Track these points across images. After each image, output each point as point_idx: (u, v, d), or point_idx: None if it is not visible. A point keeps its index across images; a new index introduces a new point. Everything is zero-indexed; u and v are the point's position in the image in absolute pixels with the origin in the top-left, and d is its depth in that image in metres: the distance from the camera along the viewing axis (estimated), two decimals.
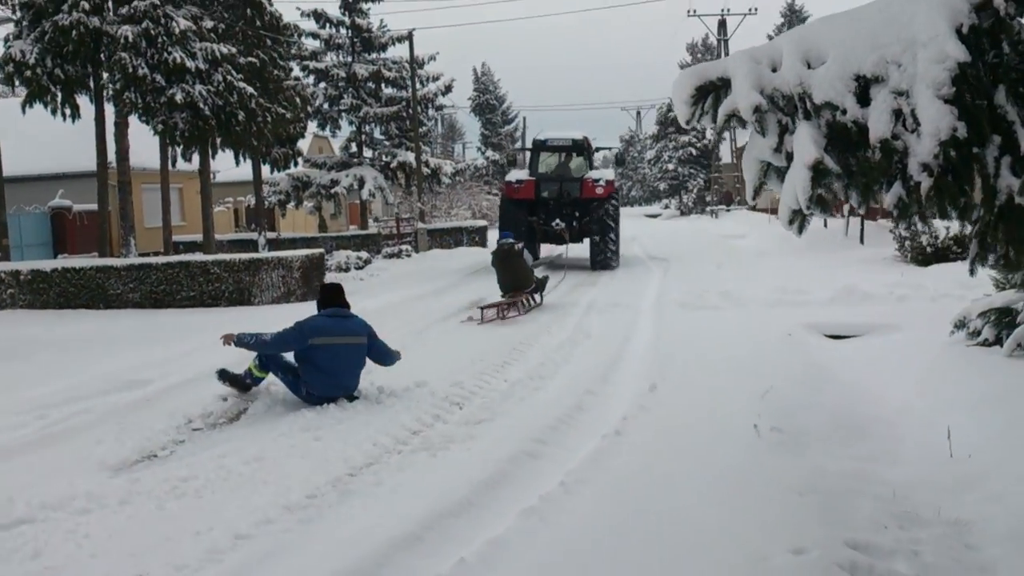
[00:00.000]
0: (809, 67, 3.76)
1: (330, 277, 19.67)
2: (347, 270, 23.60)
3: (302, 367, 8.33)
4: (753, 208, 46.94)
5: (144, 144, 25.04)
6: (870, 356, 9.90)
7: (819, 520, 5.13)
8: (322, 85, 33.76)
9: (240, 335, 8.32)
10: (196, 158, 22.38)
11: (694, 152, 63.21)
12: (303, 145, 31.33)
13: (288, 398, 8.39)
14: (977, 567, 4.55)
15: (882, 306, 12.93)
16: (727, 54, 42.95)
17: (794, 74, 3.74)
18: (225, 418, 8.05)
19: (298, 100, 24.37)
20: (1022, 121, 3.47)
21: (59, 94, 20.18)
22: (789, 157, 3.88)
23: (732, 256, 23.40)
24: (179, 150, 21.65)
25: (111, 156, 21.61)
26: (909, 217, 3.60)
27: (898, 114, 3.46)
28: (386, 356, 8.84)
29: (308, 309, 12.79)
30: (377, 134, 35.84)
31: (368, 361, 8.69)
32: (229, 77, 20.06)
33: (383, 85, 34.82)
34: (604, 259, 22.26)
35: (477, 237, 32.91)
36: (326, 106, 34.08)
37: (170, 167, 22.99)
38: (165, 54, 19.06)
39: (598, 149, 27.23)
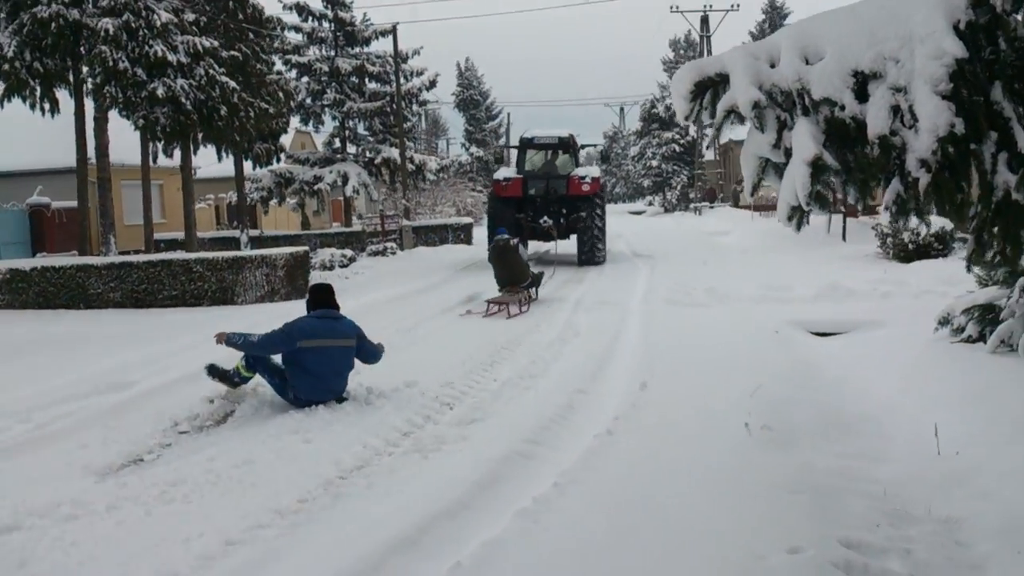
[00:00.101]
0: (807, 63, 3.76)
1: (314, 275, 19.54)
2: (331, 268, 23.45)
3: (289, 370, 8.21)
4: (737, 205, 47.10)
5: (124, 139, 24.73)
6: (855, 353, 9.96)
7: (812, 518, 5.15)
8: (304, 79, 33.50)
9: (230, 335, 8.21)
10: (177, 154, 22.14)
11: (678, 149, 63.24)
12: (285, 141, 31.14)
13: (276, 400, 8.31)
14: (968, 564, 4.57)
15: (866, 303, 13.02)
16: (709, 50, 43.31)
17: (792, 70, 3.73)
18: (212, 420, 7.97)
19: (281, 95, 24.16)
20: (1019, 117, 3.50)
21: (38, 88, 19.91)
22: (787, 153, 3.88)
23: (717, 253, 23.49)
24: (160, 145, 21.41)
25: (91, 152, 21.35)
26: (907, 213, 3.58)
27: (896, 110, 3.48)
28: (372, 355, 8.77)
29: (292, 308, 12.74)
30: (361, 129, 35.62)
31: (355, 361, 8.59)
32: (211, 71, 19.86)
33: (367, 80, 34.60)
34: (591, 254, 22.63)
35: (462, 234, 32.78)
36: (309, 101, 33.83)
37: (151, 163, 22.75)
38: (146, 47, 18.81)
39: (583, 146, 27.37)
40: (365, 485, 6.02)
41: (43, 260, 19.13)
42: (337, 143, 34.72)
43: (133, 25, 18.75)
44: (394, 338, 11.57)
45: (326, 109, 34.08)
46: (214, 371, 8.46)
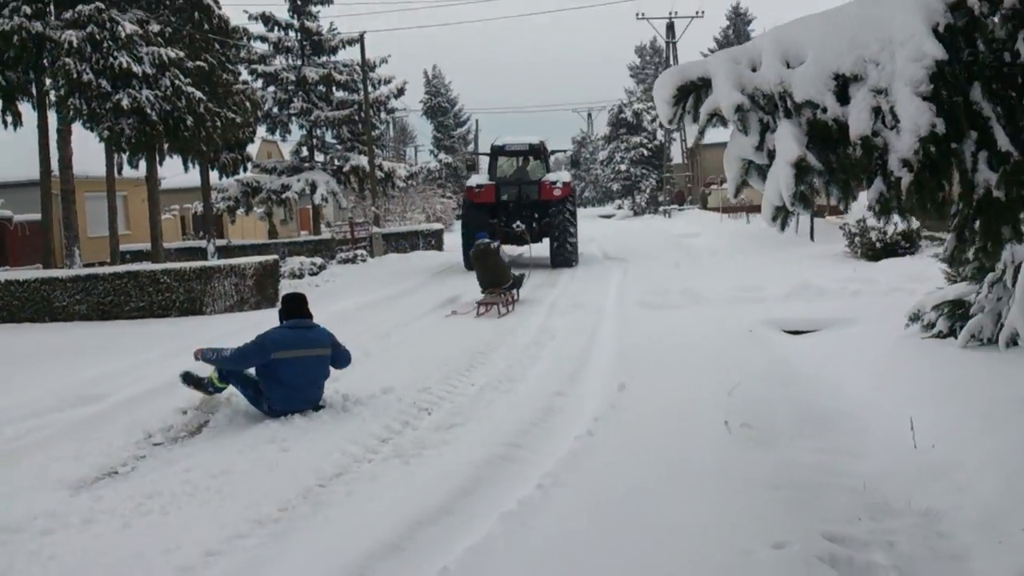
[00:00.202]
0: (789, 67, 3.80)
1: (284, 284, 19.41)
2: (301, 276, 23.34)
3: (263, 382, 8.08)
4: (705, 207, 47.42)
5: (87, 151, 24.48)
6: (829, 350, 10.02)
7: (794, 513, 5.16)
8: (271, 89, 33.42)
9: (205, 350, 8.13)
10: (143, 164, 21.92)
11: (646, 153, 63.65)
12: (252, 150, 30.96)
13: (250, 410, 8.19)
14: (950, 555, 4.59)
15: (837, 301, 13.11)
16: (676, 56, 43.63)
17: (774, 73, 3.77)
18: (186, 431, 7.87)
19: (248, 104, 24.02)
20: (998, 117, 3.55)
21: (0, 101, 19.66)
22: (771, 155, 3.93)
23: (688, 255, 23.59)
24: (126, 157, 21.19)
25: (54, 164, 21.11)
26: (889, 212, 3.61)
27: (877, 112, 3.53)
28: (345, 360, 8.67)
29: (263, 317, 12.65)
30: (329, 138, 35.57)
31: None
32: (177, 81, 19.69)
33: (334, 88, 34.59)
34: (564, 257, 22.99)
35: (433, 240, 32.72)
36: (276, 110, 33.76)
37: (116, 174, 22.52)
38: (111, 59, 18.62)
39: (554, 152, 27.84)
40: (346, 492, 5.96)
41: (6, 273, 18.85)
42: (305, 152, 34.65)
43: (97, 37, 18.56)
44: (369, 345, 11.53)
45: (293, 118, 34.03)
46: (189, 379, 8.35)
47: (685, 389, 8.37)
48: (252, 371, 8.22)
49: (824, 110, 3.60)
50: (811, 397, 8.12)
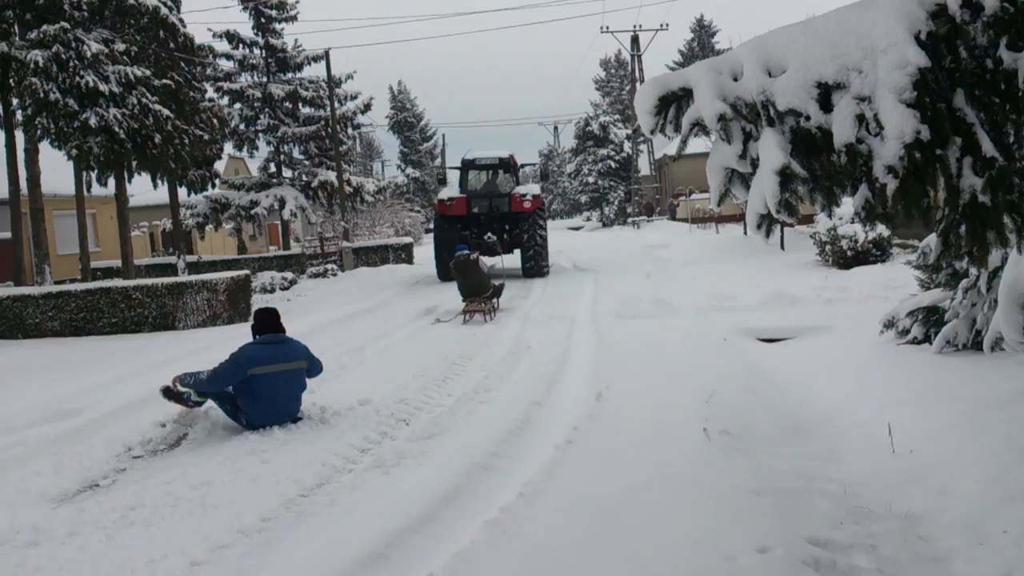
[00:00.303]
0: (771, 75, 3.81)
1: (256, 299, 19.35)
2: (272, 291, 23.27)
3: (240, 398, 8.05)
4: (674, 218, 47.65)
5: (54, 170, 24.30)
6: (804, 358, 10.08)
7: (777, 518, 5.18)
8: (237, 106, 33.21)
9: (182, 376, 8.09)
10: (111, 182, 21.77)
11: (613, 165, 63.84)
12: (219, 167, 30.78)
13: (229, 422, 8.18)
14: (933, 558, 4.64)
15: (811, 309, 13.19)
16: (641, 69, 43.71)
17: (756, 83, 3.79)
18: (165, 444, 7.84)
19: (215, 121, 23.90)
20: (981, 123, 3.57)
21: None
22: (754, 163, 3.95)
23: (658, 265, 23.65)
24: (94, 175, 21.04)
25: (23, 183, 20.95)
26: (875, 219, 3.67)
27: (861, 119, 3.53)
28: (317, 370, 8.67)
29: (236, 331, 12.60)
30: (296, 154, 35.33)
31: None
32: (144, 100, 19.59)
33: (300, 104, 34.43)
34: (536, 267, 23.62)
35: (403, 254, 32.64)
36: (242, 127, 33.56)
37: (85, 192, 22.36)
38: (77, 78, 18.50)
39: (523, 165, 28.19)
40: (328, 502, 5.95)
41: None
42: (273, 168, 34.44)
43: (63, 56, 18.42)
44: (344, 357, 11.53)
45: (260, 134, 33.82)
46: (169, 393, 8.31)
47: (662, 398, 8.39)
48: (230, 387, 8.22)
49: (807, 118, 3.64)
50: (788, 404, 8.18)
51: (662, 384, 9.03)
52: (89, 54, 18.73)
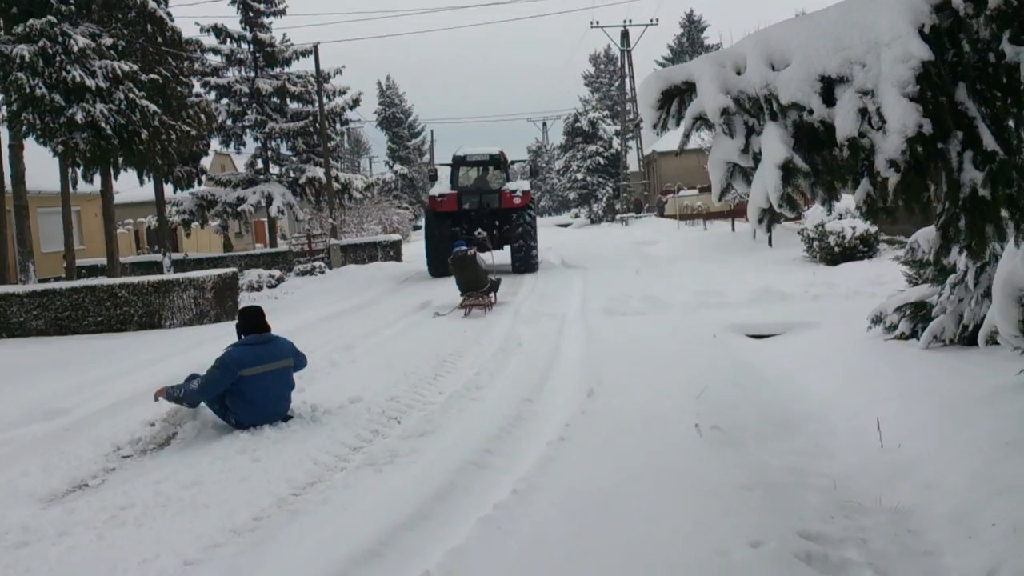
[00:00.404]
0: (774, 69, 3.81)
1: (243, 297, 19.28)
2: (259, 289, 23.20)
3: (229, 399, 7.96)
4: (662, 215, 47.73)
5: (38, 166, 24.16)
6: (793, 354, 10.08)
7: (769, 513, 5.19)
8: (224, 101, 33.10)
9: (168, 389, 7.98)
10: (97, 179, 21.65)
11: (602, 161, 63.92)
12: (205, 163, 30.68)
13: (219, 421, 8.15)
14: (923, 551, 4.66)
15: (799, 305, 13.20)
16: (630, 64, 43.90)
17: (759, 76, 3.79)
18: (155, 443, 7.80)
19: (202, 117, 23.80)
20: (983, 117, 3.58)
21: None
22: (756, 158, 3.94)
23: (647, 262, 23.67)
24: (80, 171, 20.91)
25: (7, 180, 20.80)
26: (876, 213, 3.65)
27: (864, 113, 3.54)
28: (302, 364, 8.62)
29: (222, 330, 12.55)
30: (284, 150, 35.24)
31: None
32: (131, 95, 19.49)
33: (288, 100, 34.34)
34: (526, 262, 23.95)
35: (392, 251, 32.56)
36: (229, 122, 33.44)
37: (70, 189, 22.23)
38: (64, 73, 18.40)
39: (513, 162, 28.47)
40: (320, 501, 5.92)
41: None
42: (260, 164, 34.33)
43: (50, 51, 18.33)
44: (333, 355, 11.50)
45: (247, 130, 33.74)
46: (169, 396, 8.14)
47: (653, 394, 8.38)
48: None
49: (810, 112, 3.63)
50: (778, 399, 8.20)
51: (653, 380, 9.02)
52: (76, 49, 18.63)
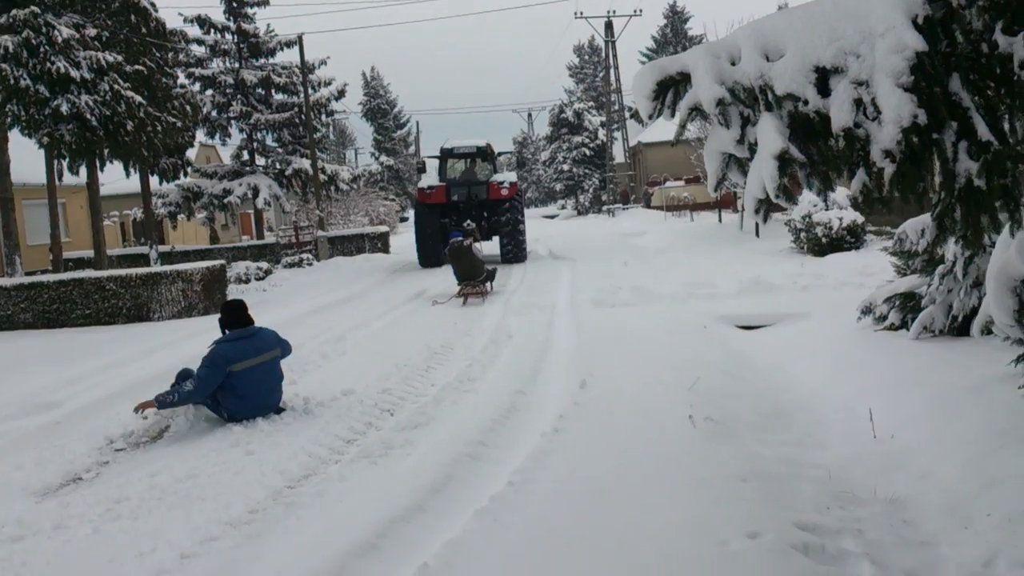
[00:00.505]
0: (768, 60, 3.81)
1: (231, 289, 19.23)
2: (247, 281, 23.12)
3: (220, 394, 7.92)
4: (649, 206, 47.77)
5: (23, 158, 23.99)
6: (783, 344, 10.13)
7: (764, 504, 5.20)
8: (209, 92, 32.89)
9: (160, 399, 7.80)
10: (83, 171, 21.53)
11: (588, 152, 63.92)
12: (191, 155, 30.53)
13: (211, 414, 8.11)
14: (919, 541, 4.68)
15: (788, 296, 13.26)
16: (614, 55, 43.78)
17: (754, 67, 3.80)
18: (148, 437, 7.78)
19: (188, 108, 23.66)
20: (977, 107, 3.59)
21: None
22: (751, 148, 3.94)
23: (635, 253, 23.70)
24: (66, 163, 20.79)
25: None
26: (872, 204, 3.67)
27: (859, 103, 3.54)
28: (287, 352, 8.59)
29: (211, 323, 12.46)
30: (270, 141, 35.07)
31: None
32: (116, 86, 19.37)
33: (273, 91, 34.18)
34: (514, 252, 24.36)
35: (379, 243, 32.50)
36: (215, 113, 33.26)
37: (56, 181, 22.09)
38: (48, 64, 18.28)
39: (500, 154, 28.98)
40: (316, 493, 5.92)
41: None
42: (246, 155, 34.18)
43: (34, 42, 18.19)
44: (324, 347, 11.48)
45: (233, 121, 33.58)
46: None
47: (646, 385, 8.39)
48: None
49: (805, 102, 3.64)
50: (770, 390, 8.23)
51: (644, 371, 9.03)
52: (60, 39, 18.50)
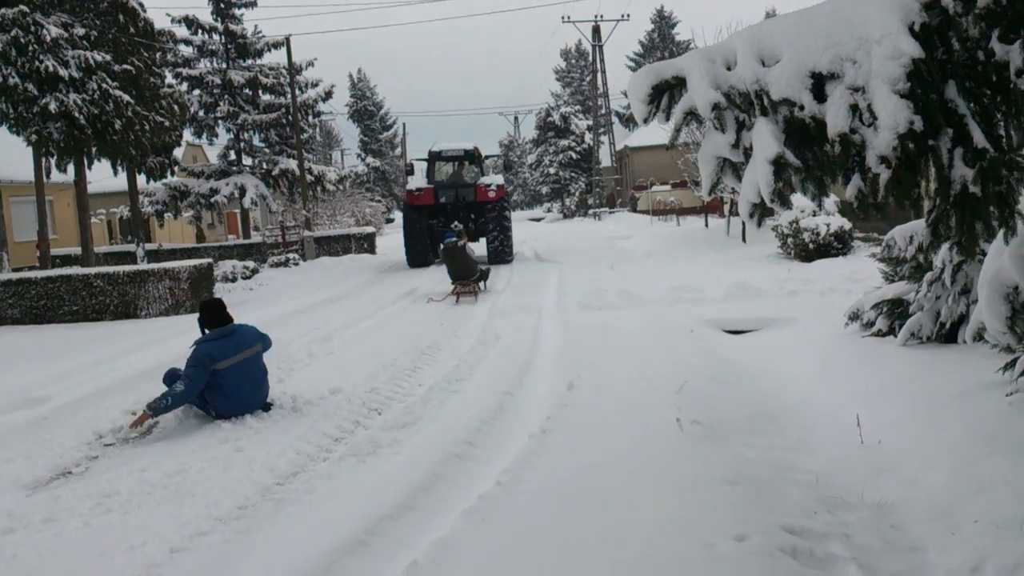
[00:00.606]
0: (764, 65, 3.83)
1: (217, 288, 19.20)
2: (234, 280, 23.05)
3: (207, 393, 7.93)
4: (635, 210, 47.84)
5: (9, 156, 23.90)
6: (770, 349, 10.16)
7: (752, 507, 5.23)
8: (196, 92, 32.81)
9: (153, 406, 7.71)
10: (71, 168, 21.47)
11: (574, 156, 63.98)
12: (178, 154, 30.45)
13: (199, 411, 8.12)
14: (906, 547, 4.71)
15: (775, 301, 13.30)
16: (602, 59, 43.79)
17: (750, 72, 3.81)
18: (137, 432, 7.75)
19: (176, 108, 23.61)
20: (972, 114, 3.61)
21: None
22: (746, 153, 3.96)
23: (621, 257, 23.70)
24: (54, 161, 20.73)
25: None
26: (867, 209, 3.70)
27: (855, 109, 3.56)
28: (268, 345, 8.61)
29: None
30: (257, 141, 35.01)
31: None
32: (104, 85, 19.34)
33: (261, 92, 34.12)
34: (501, 253, 24.70)
35: (366, 244, 32.47)
36: (202, 113, 33.18)
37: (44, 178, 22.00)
38: (37, 63, 18.24)
39: (487, 157, 29.20)
40: (305, 490, 5.93)
41: None
42: (233, 155, 34.11)
43: (22, 40, 18.15)
44: (312, 346, 11.47)
45: (220, 121, 33.52)
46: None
47: (633, 388, 8.40)
48: None
49: (801, 108, 3.66)
50: (757, 394, 8.25)
51: (632, 374, 9.04)
52: (49, 38, 18.46)
